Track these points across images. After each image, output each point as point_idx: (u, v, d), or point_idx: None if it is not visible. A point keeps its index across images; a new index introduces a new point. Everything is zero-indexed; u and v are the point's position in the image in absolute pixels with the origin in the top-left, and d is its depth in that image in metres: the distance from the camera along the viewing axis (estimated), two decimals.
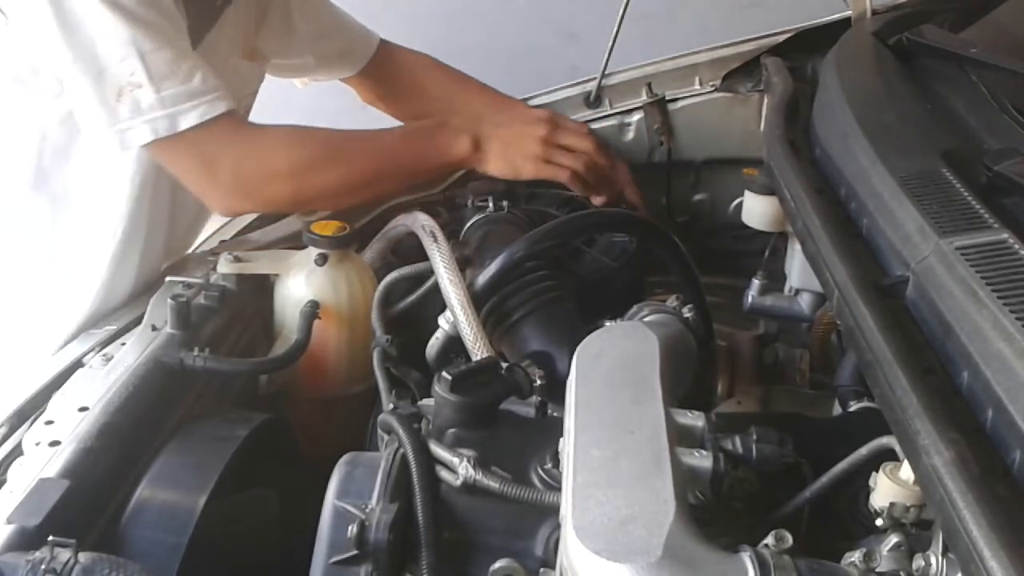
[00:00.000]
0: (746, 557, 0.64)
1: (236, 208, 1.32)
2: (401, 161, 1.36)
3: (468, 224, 1.41)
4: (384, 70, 1.67)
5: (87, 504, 0.88)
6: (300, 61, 1.60)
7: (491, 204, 1.43)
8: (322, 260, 1.23)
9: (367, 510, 0.81)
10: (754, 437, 0.82)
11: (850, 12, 1.57)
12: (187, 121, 1.17)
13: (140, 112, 1.15)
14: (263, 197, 1.30)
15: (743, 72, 1.66)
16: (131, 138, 1.16)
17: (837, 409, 1.14)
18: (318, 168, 1.29)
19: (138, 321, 1.17)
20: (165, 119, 1.16)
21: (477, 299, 1.15)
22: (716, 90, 1.67)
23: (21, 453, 0.95)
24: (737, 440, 0.82)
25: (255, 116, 1.66)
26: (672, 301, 1.12)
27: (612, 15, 1.62)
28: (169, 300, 1.10)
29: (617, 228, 1.40)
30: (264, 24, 1.48)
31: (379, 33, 1.73)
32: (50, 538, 0.76)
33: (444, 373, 0.93)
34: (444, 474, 0.84)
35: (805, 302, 1.37)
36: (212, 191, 1.26)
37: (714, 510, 0.77)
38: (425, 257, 1.21)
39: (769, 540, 0.67)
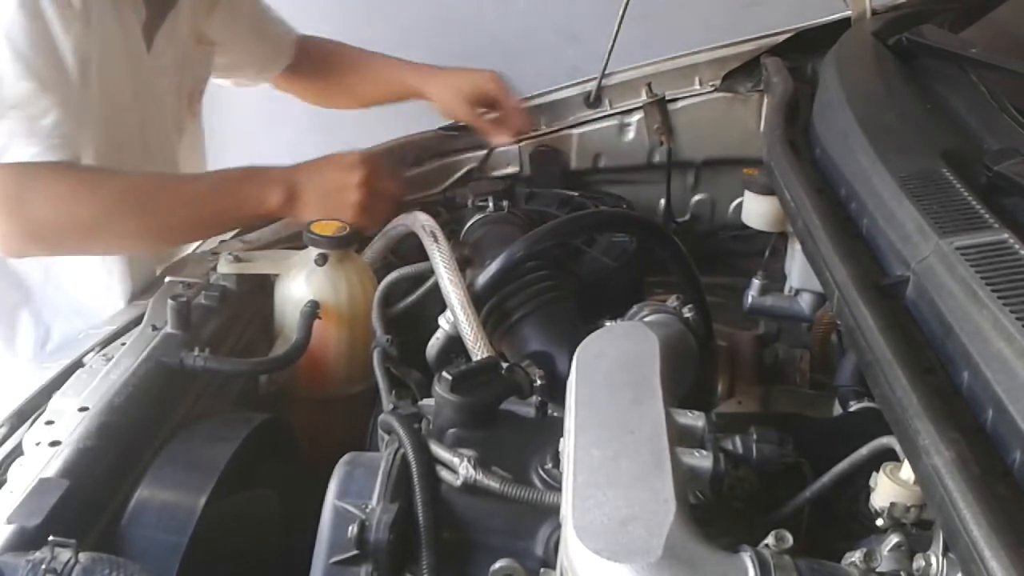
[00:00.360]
0: (746, 557, 0.64)
1: (23, 251, 1.27)
2: (207, 211, 1.31)
3: (468, 224, 1.41)
4: (303, 60, 1.69)
5: (87, 504, 0.88)
6: (239, 57, 1.60)
7: (491, 204, 1.43)
8: (322, 260, 1.23)
9: (367, 510, 0.81)
10: (754, 437, 0.82)
11: (850, 12, 1.57)
12: (13, 155, 1.14)
13: None
14: (52, 243, 1.25)
15: (743, 72, 1.66)
16: None
17: (837, 409, 1.14)
18: (116, 217, 1.24)
19: (138, 321, 1.17)
20: None
21: (477, 299, 1.15)
22: (716, 90, 1.67)
23: (21, 453, 0.95)
24: (737, 440, 0.82)
25: (263, 112, 1.68)
26: (672, 301, 1.12)
27: (612, 15, 1.62)
28: (169, 300, 1.10)
29: (617, 228, 1.40)
30: (214, 11, 1.49)
31: (379, 33, 1.74)
32: (50, 538, 0.76)
33: (444, 373, 0.93)
34: (444, 474, 0.84)
35: (805, 302, 1.38)
36: (4, 229, 1.20)
37: (714, 510, 0.77)
38: (425, 257, 1.21)
39: (769, 540, 0.67)
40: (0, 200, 1.17)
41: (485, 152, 1.74)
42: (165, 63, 1.36)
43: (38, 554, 0.75)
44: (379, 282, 1.26)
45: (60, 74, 1.16)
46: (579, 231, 1.36)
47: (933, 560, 0.71)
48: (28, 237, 1.22)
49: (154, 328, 1.13)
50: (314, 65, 1.72)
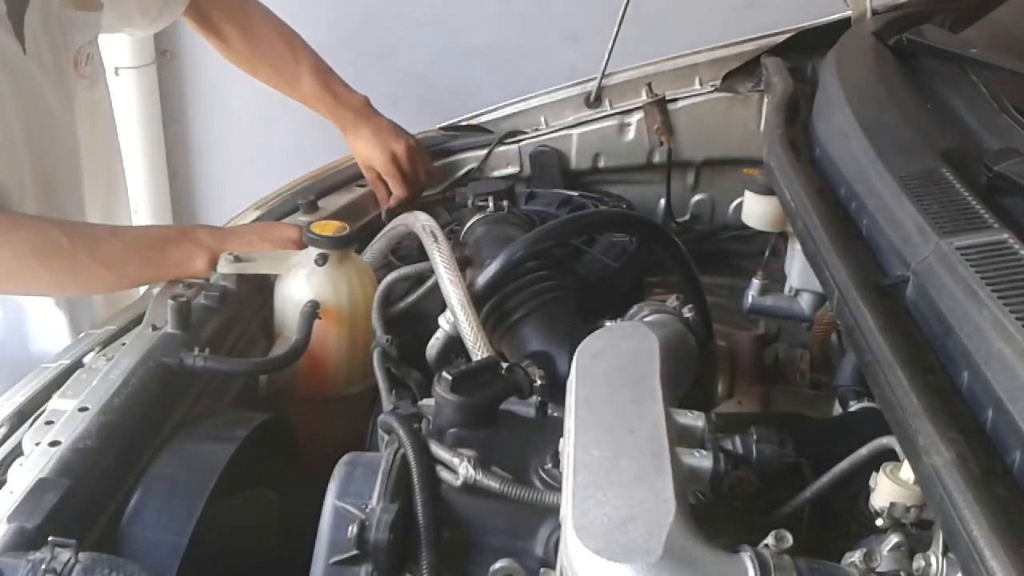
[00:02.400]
0: (746, 557, 0.64)
1: None
2: (125, 272, 1.29)
3: (468, 224, 1.41)
4: (211, 6, 1.64)
5: (87, 504, 0.88)
6: (125, 11, 1.55)
7: (491, 204, 1.43)
8: (322, 260, 1.23)
9: (367, 510, 0.81)
10: (754, 437, 0.82)
11: (850, 12, 1.57)
12: None
13: None
14: None
15: (743, 72, 1.66)
16: None
17: (837, 409, 1.14)
18: (28, 268, 1.24)
19: (138, 321, 1.17)
20: None
21: (477, 299, 1.15)
22: (716, 90, 1.67)
23: (21, 453, 0.95)
24: (737, 440, 0.82)
25: (263, 112, 1.68)
26: (672, 301, 1.12)
27: (612, 16, 1.62)
28: (169, 300, 1.10)
29: (617, 228, 1.40)
30: None
31: (380, 33, 1.73)
32: (50, 538, 0.76)
33: (444, 373, 0.93)
34: (444, 474, 0.84)
35: (805, 302, 1.38)
36: None
37: (714, 510, 0.77)
38: (425, 257, 1.21)
39: (769, 540, 0.67)
40: None
41: (485, 152, 1.74)
42: (39, 44, 1.32)
43: (38, 554, 0.75)
44: (379, 282, 1.26)
45: None
46: (579, 231, 1.36)
47: (933, 560, 0.71)
48: None
49: (154, 328, 1.13)
50: (229, 25, 1.65)
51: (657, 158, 1.71)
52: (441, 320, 1.16)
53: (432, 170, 1.69)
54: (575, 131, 1.72)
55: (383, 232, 1.39)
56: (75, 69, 1.42)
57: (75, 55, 1.41)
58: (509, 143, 1.74)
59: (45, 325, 1.41)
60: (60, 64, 1.37)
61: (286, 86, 1.67)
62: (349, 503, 0.83)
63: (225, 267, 1.25)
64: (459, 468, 0.83)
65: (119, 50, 2.44)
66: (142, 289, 1.34)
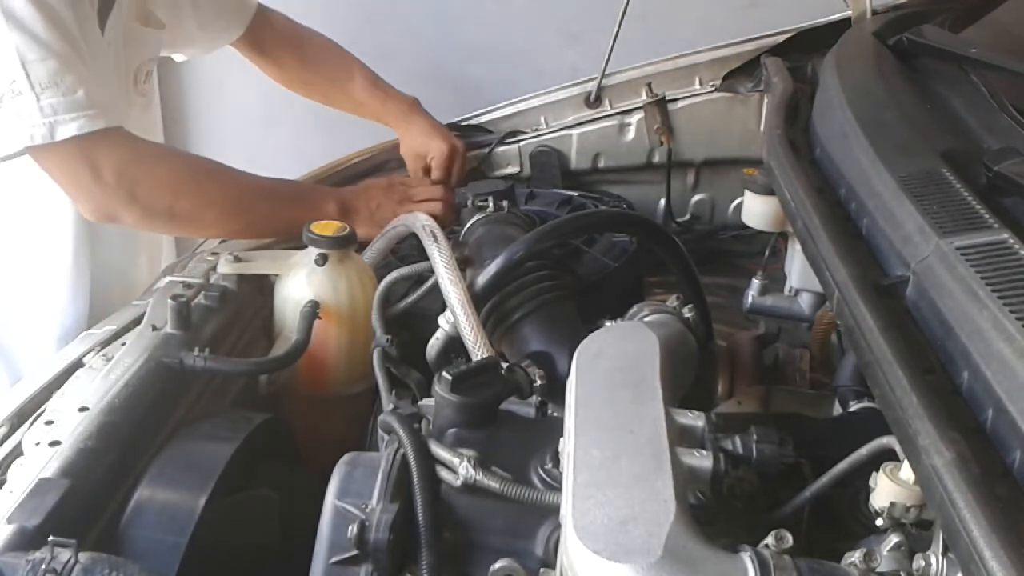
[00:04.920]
0: (746, 557, 0.64)
1: (113, 211, 1.30)
2: (274, 199, 1.40)
3: (468, 224, 1.41)
4: (264, 33, 1.69)
5: (87, 504, 0.88)
6: (186, 32, 1.60)
7: (491, 204, 1.43)
8: (322, 260, 1.23)
9: (367, 510, 0.81)
10: (754, 437, 0.82)
11: (850, 12, 1.57)
12: (65, 132, 1.19)
13: (19, 118, 1.18)
14: (143, 202, 1.30)
15: (743, 72, 1.66)
16: (7, 142, 1.19)
17: (837, 409, 1.14)
18: (197, 181, 1.33)
19: (138, 321, 1.17)
20: (43, 127, 1.19)
21: (477, 299, 1.15)
22: (716, 90, 1.67)
23: (21, 453, 0.95)
24: (737, 440, 0.82)
25: (263, 112, 1.68)
26: (672, 301, 1.12)
27: (612, 16, 1.62)
28: (169, 300, 1.10)
29: (617, 228, 1.40)
30: None
31: (380, 33, 1.74)
32: (50, 538, 0.76)
33: (444, 373, 0.93)
34: (444, 474, 0.84)
35: (805, 302, 1.38)
36: (91, 194, 1.27)
37: (714, 510, 0.77)
38: (425, 257, 1.21)
39: (769, 540, 0.67)
40: (77, 170, 1.25)
41: (485, 152, 1.74)
42: (115, 48, 1.38)
43: (38, 554, 0.75)
44: (379, 282, 1.26)
45: (75, 50, 1.21)
46: (579, 231, 1.36)
47: (933, 560, 0.71)
48: (119, 195, 1.27)
49: (154, 328, 1.13)
50: (282, 49, 1.72)
51: (657, 158, 1.71)
52: (441, 320, 1.16)
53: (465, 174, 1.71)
54: (575, 131, 1.73)
55: (383, 232, 1.39)
56: (134, 86, 1.47)
57: (135, 71, 1.46)
58: (509, 143, 1.74)
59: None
60: (122, 75, 1.42)
61: (342, 95, 1.72)
62: (349, 503, 0.83)
63: (225, 267, 1.25)
64: (459, 468, 0.83)
65: None
66: (141, 288, 1.35)
